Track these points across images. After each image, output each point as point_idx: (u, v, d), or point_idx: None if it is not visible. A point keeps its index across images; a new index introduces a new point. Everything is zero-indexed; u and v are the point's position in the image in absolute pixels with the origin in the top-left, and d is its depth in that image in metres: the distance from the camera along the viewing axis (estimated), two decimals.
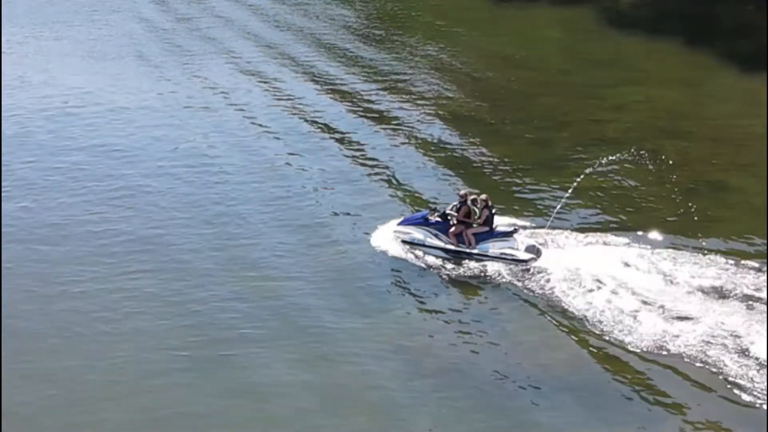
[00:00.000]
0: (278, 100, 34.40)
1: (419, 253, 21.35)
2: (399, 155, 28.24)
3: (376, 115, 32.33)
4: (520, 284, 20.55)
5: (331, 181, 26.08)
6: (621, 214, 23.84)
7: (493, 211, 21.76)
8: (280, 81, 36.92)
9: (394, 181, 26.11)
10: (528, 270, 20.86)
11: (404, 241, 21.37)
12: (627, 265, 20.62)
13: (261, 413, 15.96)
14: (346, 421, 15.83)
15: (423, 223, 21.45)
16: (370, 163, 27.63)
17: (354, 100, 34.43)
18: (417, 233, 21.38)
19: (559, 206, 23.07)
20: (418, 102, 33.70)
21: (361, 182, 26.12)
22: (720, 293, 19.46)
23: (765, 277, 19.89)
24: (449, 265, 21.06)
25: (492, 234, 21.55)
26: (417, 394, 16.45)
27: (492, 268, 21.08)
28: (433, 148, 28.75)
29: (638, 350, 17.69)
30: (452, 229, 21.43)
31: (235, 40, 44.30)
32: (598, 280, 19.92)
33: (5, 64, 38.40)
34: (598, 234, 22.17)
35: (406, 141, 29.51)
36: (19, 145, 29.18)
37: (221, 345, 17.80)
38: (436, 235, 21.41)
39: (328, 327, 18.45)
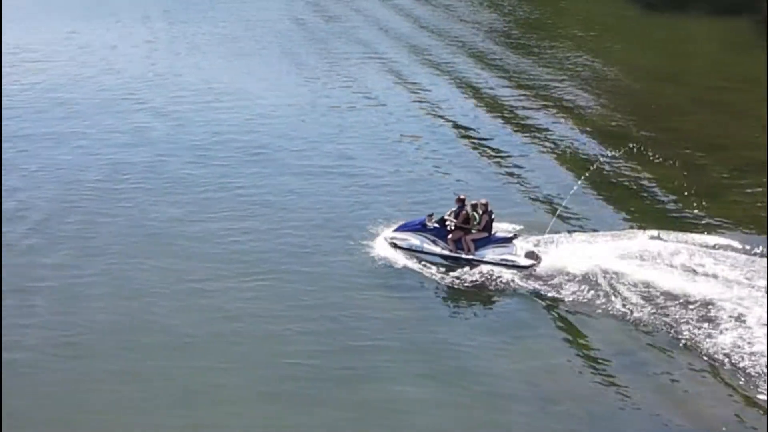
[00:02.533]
0: (419, 102, 34.29)
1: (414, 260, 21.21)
2: (537, 166, 27.55)
3: (517, 124, 31.72)
4: (520, 291, 20.16)
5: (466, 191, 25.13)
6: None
7: (493, 216, 21.30)
8: (421, 83, 36.91)
9: (538, 196, 25.42)
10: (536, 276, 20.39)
11: (400, 248, 21.38)
12: None
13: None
14: None
15: (420, 229, 21.38)
16: (516, 173, 27.02)
17: (496, 106, 33.95)
18: (414, 239, 21.34)
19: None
20: (561, 113, 32.73)
21: (502, 195, 25.18)
22: None
23: None
24: (447, 272, 20.78)
25: (491, 240, 21.09)
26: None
27: (493, 274, 20.70)
28: (573, 163, 27.61)
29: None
30: (451, 235, 21.23)
31: (379, 40, 44.74)
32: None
33: (145, 58, 40.71)
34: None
35: (548, 153, 28.69)
36: (141, 137, 30.01)
37: (346, 354, 17.63)
38: (433, 242, 21.27)
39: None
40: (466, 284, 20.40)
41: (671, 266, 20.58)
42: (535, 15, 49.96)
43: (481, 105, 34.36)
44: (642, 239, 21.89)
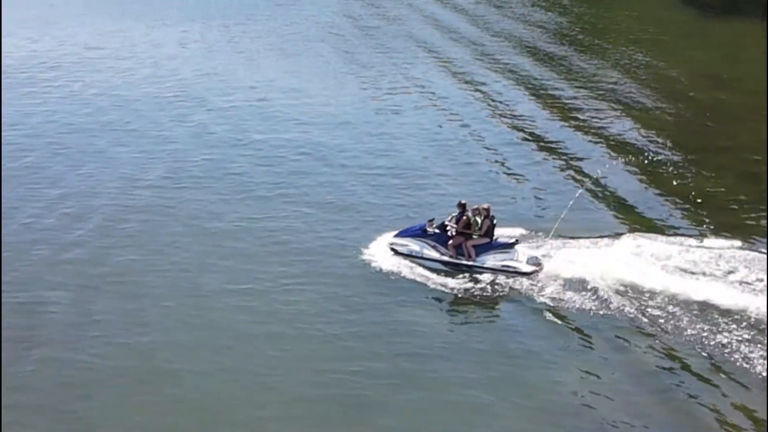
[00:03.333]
0: (473, 101, 33.72)
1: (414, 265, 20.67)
2: (582, 168, 26.87)
3: (570, 126, 31.01)
4: (515, 296, 19.67)
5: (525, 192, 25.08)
6: None
7: (494, 221, 20.67)
8: (474, 81, 36.28)
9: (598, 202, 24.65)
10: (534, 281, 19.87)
11: (400, 254, 20.91)
12: None
13: None
14: None
15: (420, 234, 20.89)
16: (579, 177, 26.17)
17: (552, 109, 33.21)
18: (414, 245, 20.85)
19: None
20: (615, 117, 31.76)
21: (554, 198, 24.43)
22: None
23: None
24: (447, 279, 20.26)
25: (492, 245, 20.49)
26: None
27: (493, 281, 20.19)
28: (630, 171, 26.70)
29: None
30: (451, 240, 20.68)
31: (433, 39, 44.11)
32: None
33: (198, 57, 40.56)
34: None
35: (604, 159, 27.67)
36: (196, 137, 29.67)
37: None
38: (434, 247, 20.77)
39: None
40: (472, 292, 19.86)
41: (706, 274, 19.92)
42: (587, 18, 48.60)
43: (528, 103, 33.72)
44: (679, 246, 21.17)
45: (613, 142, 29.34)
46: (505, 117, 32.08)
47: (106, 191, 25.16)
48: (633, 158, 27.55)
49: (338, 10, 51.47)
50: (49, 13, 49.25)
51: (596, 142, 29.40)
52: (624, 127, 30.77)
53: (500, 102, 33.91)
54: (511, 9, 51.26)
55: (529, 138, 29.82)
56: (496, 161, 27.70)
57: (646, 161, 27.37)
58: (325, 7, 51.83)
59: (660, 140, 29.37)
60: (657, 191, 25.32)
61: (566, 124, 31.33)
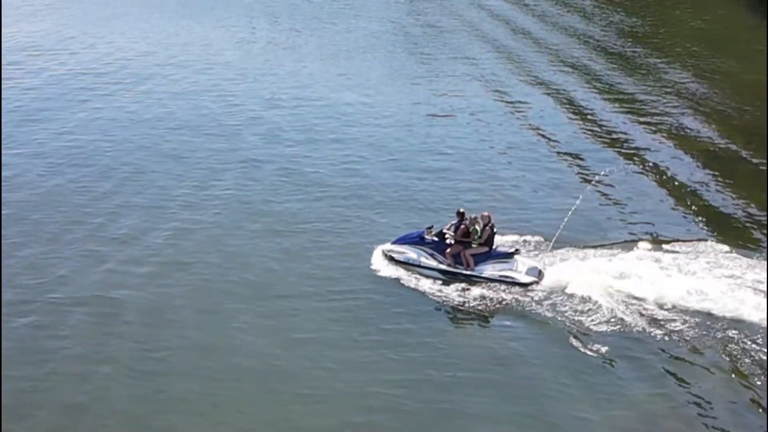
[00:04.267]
0: (512, 112, 32.49)
1: (414, 274, 19.92)
2: (625, 183, 25.73)
3: (650, 131, 29.93)
4: (516, 308, 18.88)
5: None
6: None
7: (495, 230, 19.75)
8: (516, 93, 34.80)
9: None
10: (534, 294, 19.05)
11: (397, 261, 20.15)
12: None
13: None
14: None
15: (418, 242, 20.14)
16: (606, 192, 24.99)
17: (622, 106, 32.29)
18: (411, 253, 20.10)
19: None
20: (669, 134, 30.01)
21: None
22: None
23: None
24: (443, 288, 19.46)
25: (491, 255, 19.61)
26: None
27: (492, 291, 19.35)
28: (683, 189, 25.29)
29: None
30: (449, 249, 19.82)
31: (478, 47, 42.26)
32: None
33: (259, 59, 39.64)
34: None
35: (655, 176, 26.27)
36: (263, 138, 29.12)
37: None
38: (431, 255, 19.99)
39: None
40: (461, 303, 19.10)
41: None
42: (648, 25, 46.44)
43: (595, 105, 32.72)
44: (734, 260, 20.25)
45: (667, 157, 27.83)
46: (547, 132, 30.49)
47: (177, 195, 24.70)
48: (687, 175, 26.12)
49: (403, 11, 50.64)
50: (118, 14, 49.54)
51: (657, 149, 28.21)
52: (678, 143, 29.05)
53: (533, 112, 32.52)
54: (560, 17, 49.55)
55: (602, 142, 28.84)
56: (569, 165, 26.82)
57: (705, 178, 26.00)
58: (388, 10, 51.01)
59: (720, 158, 27.70)
60: (722, 201, 24.21)
61: (646, 128, 30.17)
